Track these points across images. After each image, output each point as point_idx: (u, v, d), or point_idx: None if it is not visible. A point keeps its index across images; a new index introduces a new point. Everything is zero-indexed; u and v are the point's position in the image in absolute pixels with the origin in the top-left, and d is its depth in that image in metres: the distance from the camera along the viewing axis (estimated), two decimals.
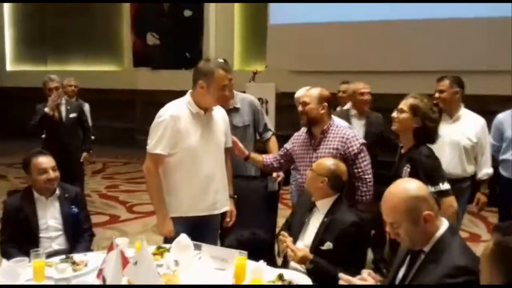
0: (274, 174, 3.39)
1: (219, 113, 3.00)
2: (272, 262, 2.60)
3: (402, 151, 2.80)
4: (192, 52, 9.40)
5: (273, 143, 3.63)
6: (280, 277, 2.26)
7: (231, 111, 3.45)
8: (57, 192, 2.94)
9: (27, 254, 2.34)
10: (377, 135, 4.08)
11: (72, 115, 4.92)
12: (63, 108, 4.89)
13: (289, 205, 4.30)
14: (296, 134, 3.20)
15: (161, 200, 2.79)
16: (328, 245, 2.49)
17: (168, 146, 2.75)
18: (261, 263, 2.26)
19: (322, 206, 2.62)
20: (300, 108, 3.05)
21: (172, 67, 9.50)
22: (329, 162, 2.66)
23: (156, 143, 2.76)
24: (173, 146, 2.76)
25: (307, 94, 3.04)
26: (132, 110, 10.22)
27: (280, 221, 3.85)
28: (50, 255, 2.56)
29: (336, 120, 3.24)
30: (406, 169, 2.65)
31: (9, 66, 11.77)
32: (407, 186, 1.83)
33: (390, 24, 7.36)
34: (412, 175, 2.52)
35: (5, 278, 2.05)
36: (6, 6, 11.60)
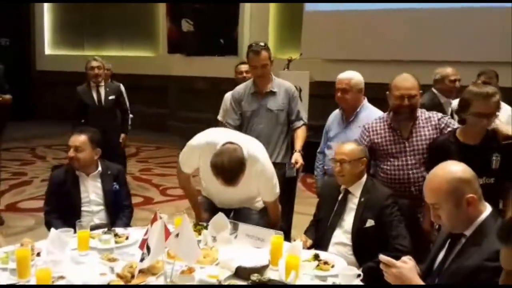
0: (293, 160, 3.34)
1: None
2: (287, 239, 2.65)
3: (470, 143, 2.65)
4: (227, 39, 9.44)
5: (301, 131, 3.51)
6: (316, 257, 2.29)
7: (268, 94, 3.50)
8: (100, 169, 3.04)
9: (69, 226, 2.45)
10: None
11: (111, 97, 5.04)
12: (102, 90, 5.01)
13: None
14: (370, 129, 2.96)
15: (189, 195, 2.99)
16: (370, 222, 2.53)
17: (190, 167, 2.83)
18: (298, 242, 2.29)
19: (356, 188, 2.65)
20: (406, 102, 2.78)
21: (206, 53, 9.57)
22: (352, 145, 2.70)
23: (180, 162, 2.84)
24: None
25: (412, 85, 2.82)
26: (165, 95, 10.36)
27: (303, 208, 3.86)
28: (91, 228, 2.65)
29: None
30: (497, 158, 2.63)
31: (47, 50, 12.10)
32: (452, 168, 1.81)
33: (432, 12, 7.16)
34: (501, 163, 2.63)
35: (53, 245, 2.15)
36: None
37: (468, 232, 1.80)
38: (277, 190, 2.76)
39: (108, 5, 10.68)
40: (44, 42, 12.05)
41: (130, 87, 6.19)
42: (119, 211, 3.05)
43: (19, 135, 9.06)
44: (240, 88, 3.64)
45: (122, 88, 5.90)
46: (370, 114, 3.22)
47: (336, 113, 3.42)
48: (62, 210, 2.92)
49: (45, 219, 3.00)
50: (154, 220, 1.97)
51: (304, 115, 3.61)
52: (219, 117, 4.49)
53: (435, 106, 3.81)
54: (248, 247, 2.41)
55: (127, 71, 8.47)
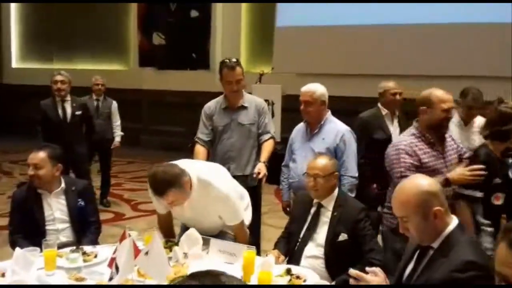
0: (256, 169, 3.34)
1: None
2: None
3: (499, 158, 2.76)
4: (198, 53, 9.43)
5: (268, 144, 3.51)
6: (288, 271, 2.29)
7: (239, 109, 3.53)
8: (63, 185, 2.96)
9: (35, 245, 2.37)
10: None
11: (77, 113, 4.89)
12: (68, 106, 4.84)
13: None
14: (415, 148, 2.74)
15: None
16: (343, 236, 2.56)
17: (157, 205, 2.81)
18: (270, 257, 2.29)
19: (328, 202, 2.68)
20: (451, 114, 2.79)
21: (177, 67, 9.53)
22: (325, 159, 2.73)
23: None
24: None
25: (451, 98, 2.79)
26: (137, 109, 10.23)
27: (277, 221, 3.86)
28: (58, 247, 2.58)
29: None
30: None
31: (14, 63, 11.82)
32: (419, 182, 1.86)
33: (399, 28, 7.37)
34: None
35: (18, 265, 2.08)
36: (13, 4, 11.64)
37: (435, 244, 1.84)
38: (240, 214, 2.71)
39: (78, 17, 10.54)
40: (11, 55, 11.77)
41: None
42: (85, 228, 2.97)
43: None
44: (211, 103, 3.66)
45: (115, 105, 5.89)
46: (335, 127, 3.27)
47: (301, 126, 3.45)
48: (27, 229, 2.83)
49: (10, 239, 2.89)
50: (123, 237, 1.94)
51: (272, 129, 3.64)
52: None
53: (377, 118, 4.02)
54: (220, 263, 2.39)
55: None
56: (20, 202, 2.89)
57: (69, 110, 4.84)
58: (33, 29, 11.48)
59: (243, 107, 3.54)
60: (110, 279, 1.93)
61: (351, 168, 3.19)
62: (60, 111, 4.81)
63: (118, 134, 5.86)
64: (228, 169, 3.41)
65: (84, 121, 5.05)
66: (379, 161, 3.27)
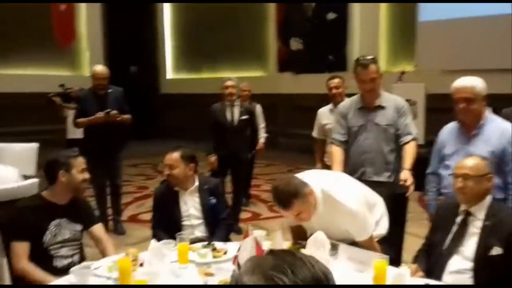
0: (402, 177, 3.03)
1: None
2: (396, 264, 2.42)
3: None
4: (335, 55, 9.31)
5: (409, 147, 3.18)
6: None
7: (376, 109, 3.30)
8: (196, 183, 3.10)
9: (173, 239, 2.51)
10: None
11: (244, 117, 5.02)
12: (236, 110, 4.99)
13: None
14: None
15: None
16: (497, 250, 2.22)
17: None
18: (404, 269, 2.08)
19: (478, 210, 2.34)
20: None
21: (315, 70, 9.52)
22: (476, 159, 2.41)
23: None
24: None
25: None
26: (275, 113, 10.48)
27: (418, 230, 3.54)
28: (192, 241, 2.69)
29: None
30: None
31: (169, 75, 13.09)
32: None
33: None
34: None
35: (153, 257, 2.21)
36: (167, 23, 12.93)
37: None
38: (368, 228, 2.52)
39: (223, 31, 11.25)
40: (166, 68, 13.06)
41: None
42: (216, 224, 3.08)
43: (144, 152, 9.78)
44: (346, 102, 3.52)
45: (259, 108, 6.09)
46: (499, 126, 2.81)
47: (451, 127, 3.00)
48: (166, 224, 3.02)
49: (152, 232, 3.12)
50: (246, 236, 1.92)
51: (414, 130, 3.30)
52: (314, 134, 4.59)
53: None
54: (348, 271, 2.24)
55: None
56: (160, 199, 3.12)
57: (236, 114, 4.99)
58: (184, 44, 12.62)
59: (381, 107, 3.29)
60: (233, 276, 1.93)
61: None
62: (228, 115, 4.98)
63: (262, 135, 5.95)
64: (364, 172, 3.25)
65: (250, 125, 5.21)
66: None
